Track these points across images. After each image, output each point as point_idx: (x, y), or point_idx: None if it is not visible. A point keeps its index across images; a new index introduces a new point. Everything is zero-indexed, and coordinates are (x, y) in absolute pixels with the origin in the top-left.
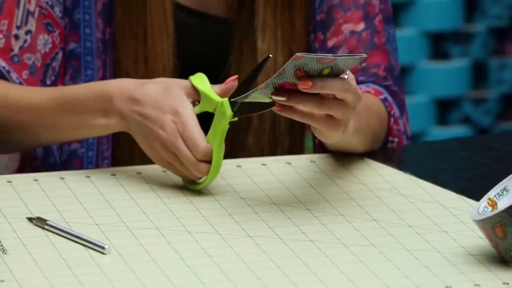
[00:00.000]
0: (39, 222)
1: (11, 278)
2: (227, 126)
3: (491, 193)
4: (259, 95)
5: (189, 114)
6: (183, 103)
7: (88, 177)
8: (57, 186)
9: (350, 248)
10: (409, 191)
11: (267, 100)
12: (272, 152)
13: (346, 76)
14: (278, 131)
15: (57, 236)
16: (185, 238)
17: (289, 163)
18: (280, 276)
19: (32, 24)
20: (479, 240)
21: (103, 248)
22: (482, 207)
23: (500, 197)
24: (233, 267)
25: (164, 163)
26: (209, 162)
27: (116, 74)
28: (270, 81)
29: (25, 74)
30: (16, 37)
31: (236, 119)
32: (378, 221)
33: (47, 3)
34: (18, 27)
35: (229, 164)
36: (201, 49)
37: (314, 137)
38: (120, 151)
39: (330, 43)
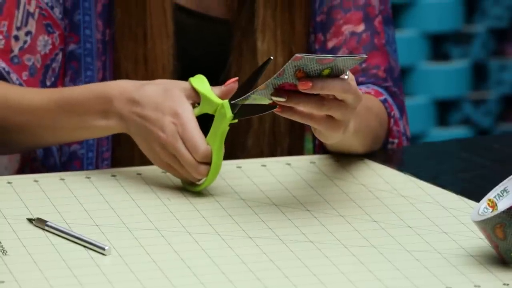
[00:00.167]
0: (39, 223)
1: (11, 279)
2: (227, 128)
3: (491, 194)
4: (259, 96)
5: (189, 116)
6: (183, 105)
7: (88, 178)
8: (57, 187)
9: (350, 249)
10: (409, 192)
11: (267, 102)
12: (272, 153)
13: (346, 77)
14: (278, 132)
15: (57, 237)
16: (185, 239)
17: (289, 164)
18: (280, 277)
19: (32, 25)
20: (479, 241)
21: (103, 249)
22: (482, 208)
23: (500, 198)
24: (233, 268)
25: (164, 165)
26: (208, 164)
27: (116, 75)
28: (270, 82)
29: (25, 75)
30: (16, 38)
31: (236, 121)
32: (378, 222)
33: (47, 4)
34: (18, 28)
35: (229, 165)
36: (201, 50)
37: (314, 139)
38: (120, 152)
39: (330, 44)
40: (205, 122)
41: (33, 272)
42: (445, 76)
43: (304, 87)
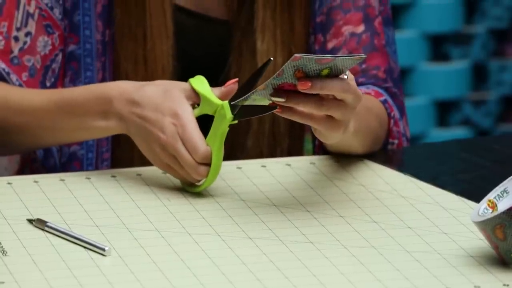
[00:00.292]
0: (39, 223)
1: (11, 279)
2: (227, 129)
3: (491, 195)
4: (258, 96)
5: (189, 117)
6: (183, 106)
7: (88, 178)
8: (57, 188)
9: (350, 249)
10: (409, 193)
11: (267, 102)
12: (272, 154)
13: (345, 77)
14: (278, 133)
15: (57, 237)
16: (185, 240)
17: (289, 165)
18: (280, 277)
19: (31, 26)
20: (479, 241)
21: (103, 249)
22: (482, 209)
23: (500, 198)
24: (233, 269)
25: (164, 166)
26: (208, 164)
27: (115, 76)
28: (269, 82)
29: (24, 76)
30: (16, 39)
31: (236, 121)
32: (378, 223)
33: (46, 4)
34: (18, 29)
35: (229, 166)
36: (201, 51)
37: (314, 140)
38: (119, 153)
39: (330, 45)
40: (205, 123)
41: (33, 273)
42: (445, 77)
43: (303, 87)
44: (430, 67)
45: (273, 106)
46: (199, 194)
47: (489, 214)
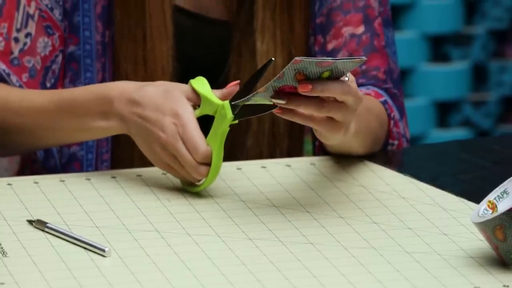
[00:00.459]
0: (39, 224)
1: (11, 280)
2: (227, 129)
3: (491, 196)
4: (259, 98)
5: (189, 117)
6: (183, 106)
7: (88, 179)
8: (57, 189)
9: (350, 250)
10: (409, 194)
11: (268, 103)
12: (271, 154)
13: (346, 79)
14: (277, 133)
15: (57, 238)
16: (185, 241)
17: (289, 166)
18: (280, 278)
19: (32, 27)
20: (479, 242)
21: (103, 250)
22: (482, 210)
23: (500, 199)
24: (233, 270)
25: (164, 165)
26: (208, 164)
27: (115, 77)
28: (270, 84)
29: (25, 77)
30: (16, 40)
31: (236, 121)
32: (378, 224)
33: (46, 5)
34: (18, 30)
35: (229, 167)
36: (200, 52)
37: (314, 141)
38: (119, 154)
39: (330, 46)
40: (205, 123)
41: (33, 274)
42: (445, 78)
43: (304, 89)
44: (430, 68)
45: (273, 105)
46: (199, 195)
47: (489, 215)
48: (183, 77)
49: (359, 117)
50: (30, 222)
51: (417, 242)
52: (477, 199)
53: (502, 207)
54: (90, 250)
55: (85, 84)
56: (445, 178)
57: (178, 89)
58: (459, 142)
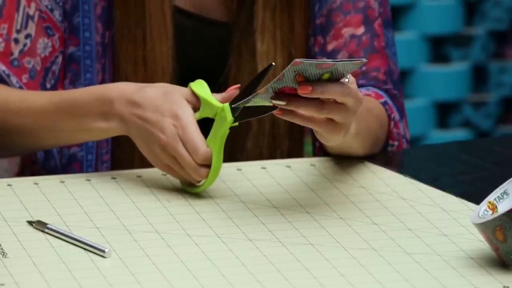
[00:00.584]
0: (39, 225)
1: (11, 281)
2: (227, 131)
3: (491, 197)
4: (259, 99)
5: (189, 118)
6: (183, 107)
7: (88, 180)
8: (57, 190)
9: (350, 251)
10: (409, 195)
11: (268, 104)
12: (272, 156)
13: (346, 80)
14: (278, 134)
15: (57, 239)
16: (185, 242)
17: (289, 167)
18: (280, 279)
19: (31, 28)
20: (479, 243)
21: (103, 251)
22: (482, 211)
23: (500, 200)
24: (233, 271)
25: (164, 167)
26: (208, 166)
27: (115, 78)
28: (270, 86)
29: (25, 78)
30: (16, 41)
31: (236, 124)
32: (378, 225)
33: (46, 6)
34: (18, 31)
35: (229, 168)
36: (200, 52)
37: (314, 142)
38: (119, 155)
39: (330, 47)
40: (205, 125)
41: (33, 275)
42: (445, 79)
43: (304, 91)
44: (430, 69)
45: (273, 106)
46: (199, 196)
47: (489, 215)
48: (183, 78)
49: (359, 118)
50: (30, 223)
51: (417, 243)
52: (477, 200)
53: (502, 208)
54: (90, 251)
55: (85, 85)
56: (445, 179)
57: (178, 91)
58: (459, 143)
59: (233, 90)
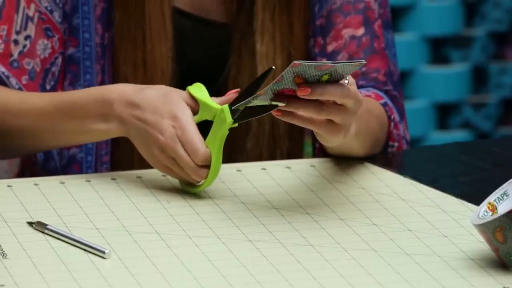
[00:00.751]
0: (39, 226)
1: (11, 282)
2: (227, 132)
3: (491, 198)
4: (258, 101)
5: (188, 119)
6: (182, 108)
7: (88, 181)
8: (57, 191)
9: (350, 252)
10: (409, 196)
11: (267, 104)
12: (271, 156)
13: (346, 82)
14: (277, 135)
15: (57, 240)
16: (185, 243)
17: (289, 168)
18: (280, 280)
19: (31, 29)
20: (479, 244)
21: (103, 252)
22: (482, 212)
23: (500, 201)
24: (233, 271)
25: (163, 168)
26: (208, 167)
27: (115, 79)
28: (269, 88)
29: (24, 79)
30: (16, 42)
31: (236, 125)
32: (378, 226)
33: (46, 8)
34: (17, 32)
35: (229, 169)
36: (200, 53)
37: (314, 143)
38: (119, 156)
39: (330, 48)
40: (204, 126)
41: (33, 276)
42: (445, 80)
43: (303, 93)
44: (430, 70)
45: (273, 105)
46: (199, 197)
47: (489, 216)
48: (183, 79)
49: (359, 118)
50: (30, 224)
51: (417, 244)
52: (477, 201)
53: (502, 209)
54: (90, 252)
55: (85, 86)
56: (445, 180)
57: (177, 93)
58: (459, 144)
59: (232, 94)
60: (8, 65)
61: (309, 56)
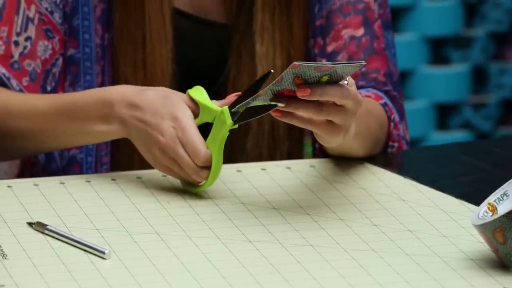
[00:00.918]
0: (39, 227)
1: (11, 283)
2: (227, 134)
3: (491, 198)
4: (258, 102)
5: (188, 120)
6: (182, 110)
7: (88, 181)
8: (57, 191)
9: (350, 252)
10: (409, 196)
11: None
12: (271, 156)
13: (346, 82)
14: (277, 135)
15: (57, 241)
16: (185, 243)
17: (289, 168)
18: (280, 280)
19: (32, 31)
20: (479, 245)
21: (103, 253)
22: (482, 212)
23: (500, 202)
24: (233, 272)
25: (164, 169)
26: (209, 168)
27: (115, 80)
28: (269, 88)
29: (25, 80)
30: (16, 43)
31: (236, 126)
32: (378, 226)
33: (46, 9)
34: (18, 34)
35: (229, 169)
36: (200, 54)
37: (313, 143)
38: (119, 157)
39: (330, 48)
40: (205, 128)
41: (33, 276)
42: (445, 80)
43: (303, 94)
44: (430, 70)
45: (273, 104)
46: (199, 197)
47: (489, 217)
48: (183, 80)
49: (359, 119)
50: (30, 224)
51: (417, 244)
52: (477, 202)
53: (502, 210)
54: (90, 252)
55: (85, 87)
56: (445, 180)
57: (178, 95)
58: (459, 144)
59: (232, 97)
60: (9, 66)
61: (308, 56)
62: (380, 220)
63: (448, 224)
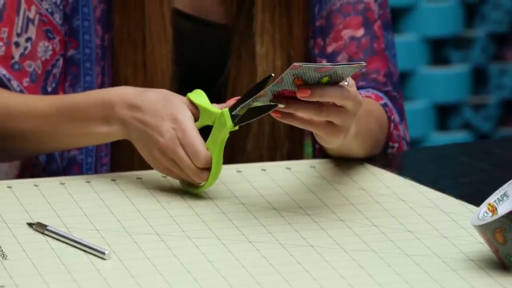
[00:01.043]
0: (39, 227)
1: (11, 283)
2: (227, 136)
3: (491, 199)
4: (258, 103)
5: (188, 122)
6: (182, 111)
7: (88, 182)
8: (57, 192)
9: (350, 253)
10: (409, 197)
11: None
12: (272, 157)
13: (346, 83)
14: (278, 136)
15: (57, 241)
16: (185, 244)
17: (289, 169)
18: (280, 281)
19: (32, 31)
20: (479, 245)
21: (103, 253)
22: (482, 213)
23: (500, 202)
24: (233, 272)
25: (164, 170)
26: (209, 169)
27: (115, 80)
28: (269, 89)
29: (26, 81)
30: (17, 44)
31: (236, 128)
32: (378, 227)
33: (47, 10)
34: (18, 35)
35: (229, 170)
36: (200, 55)
37: (314, 144)
38: (119, 158)
39: (330, 49)
40: (205, 130)
41: (33, 277)
42: (445, 81)
43: (303, 95)
44: (430, 71)
45: (273, 104)
46: (199, 198)
47: (489, 217)
48: (183, 81)
49: (359, 119)
50: (30, 224)
51: (417, 245)
52: (477, 202)
53: (502, 210)
54: (90, 253)
55: (85, 88)
56: (445, 181)
57: (178, 97)
58: (459, 145)
59: (232, 101)
60: (10, 67)
61: (308, 57)
62: (380, 221)
63: (448, 224)
